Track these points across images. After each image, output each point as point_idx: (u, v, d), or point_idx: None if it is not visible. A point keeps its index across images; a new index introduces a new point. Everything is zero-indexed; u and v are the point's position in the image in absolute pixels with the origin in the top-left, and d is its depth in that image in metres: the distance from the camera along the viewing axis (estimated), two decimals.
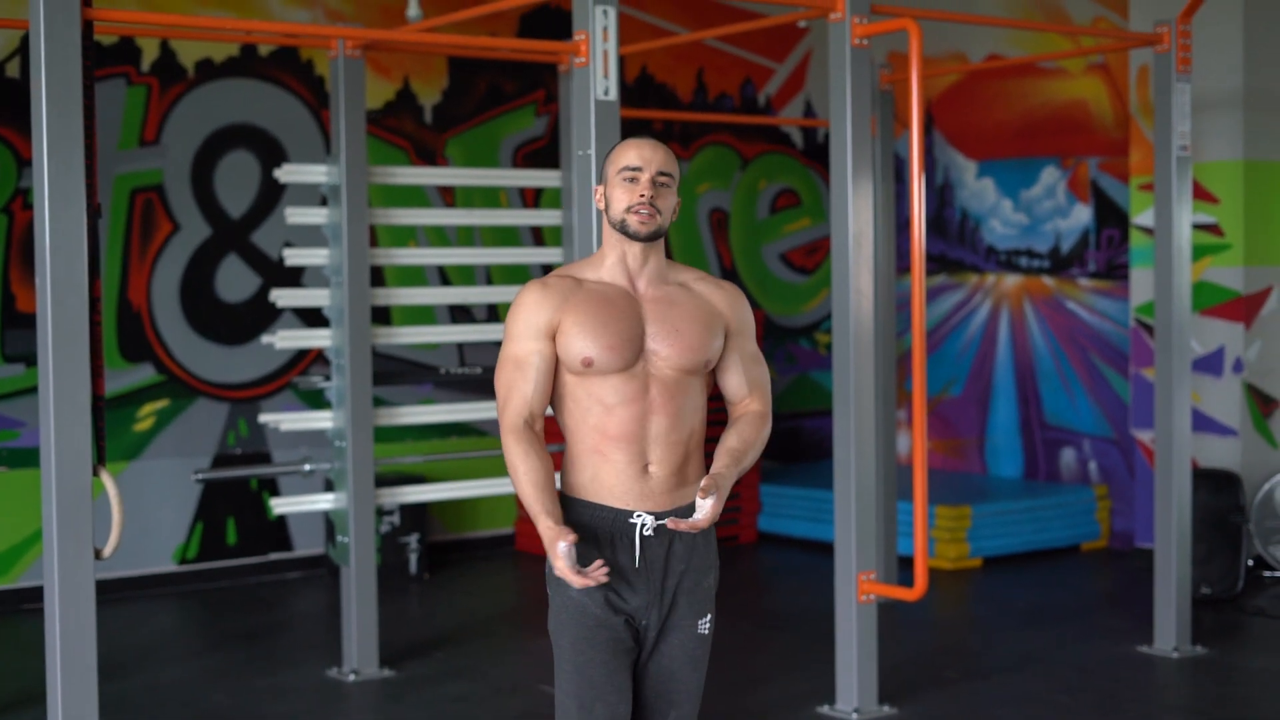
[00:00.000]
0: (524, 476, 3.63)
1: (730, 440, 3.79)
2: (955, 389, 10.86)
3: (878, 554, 6.42)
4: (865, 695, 6.21)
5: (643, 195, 3.70)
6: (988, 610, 8.42)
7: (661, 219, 3.73)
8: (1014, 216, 10.54)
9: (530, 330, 3.69)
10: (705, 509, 3.61)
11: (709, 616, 3.82)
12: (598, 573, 3.52)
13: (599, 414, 3.68)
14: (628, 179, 3.72)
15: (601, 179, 3.80)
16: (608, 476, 3.69)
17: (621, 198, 3.72)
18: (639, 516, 3.68)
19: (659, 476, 3.70)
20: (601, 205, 3.78)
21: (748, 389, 3.87)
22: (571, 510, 3.71)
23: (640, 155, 3.73)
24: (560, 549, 3.53)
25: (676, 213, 3.80)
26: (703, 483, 3.62)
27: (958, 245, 10.86)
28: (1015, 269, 10.53)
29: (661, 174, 3.72)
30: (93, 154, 5.14)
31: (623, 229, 3.73)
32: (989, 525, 9.38)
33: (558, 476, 3.78)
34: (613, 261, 3.77)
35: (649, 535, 3.69)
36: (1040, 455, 10.37)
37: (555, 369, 3.72)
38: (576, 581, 3.52)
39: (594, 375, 3.67)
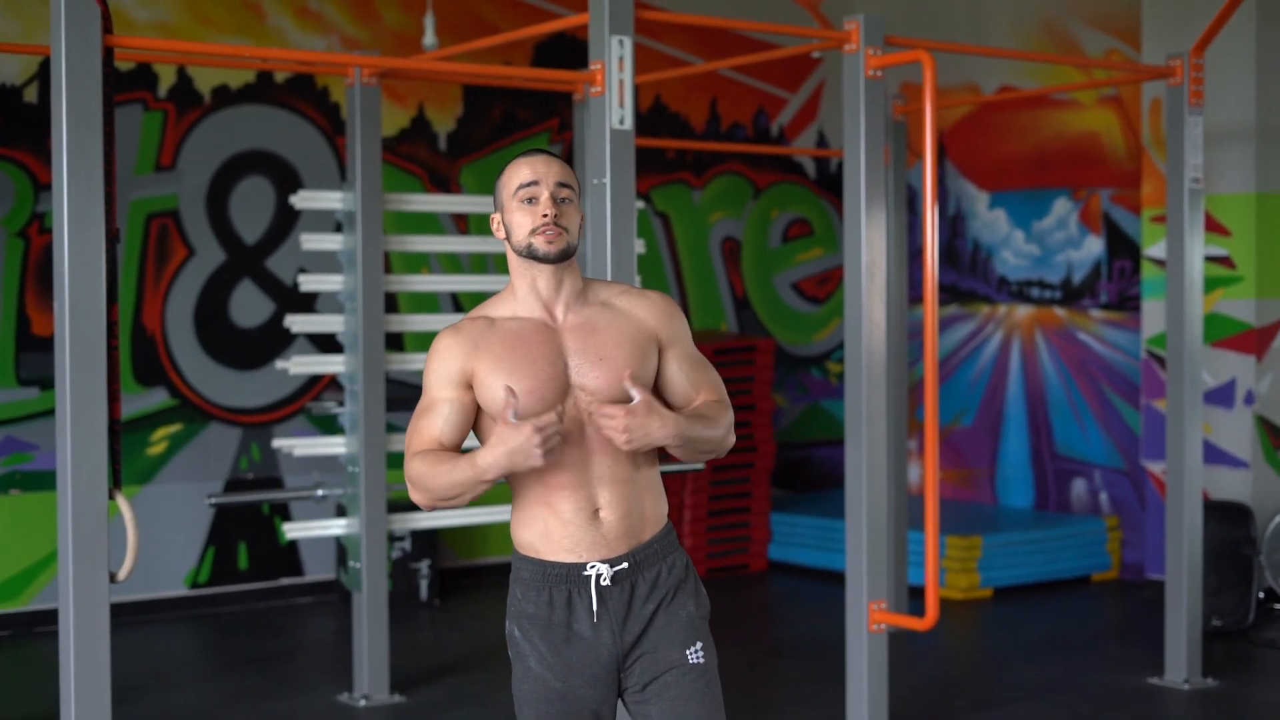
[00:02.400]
0: (439, 469, 3.33)
1: (689, 409, 3.49)
2: (966, 419, 10.87)
3: (888, 584, 6.42)
4: None
5: (545, 215, 3.39)
6: (998, 640, 8.41)
7: (570, 236, 3.41)
8: (1026, 247, 10.56)
9: (440, 380, 3.41)
10: (636, 395, 3.33)
11: (698, 645, 3.48)
12: (545, 422, 3.23)
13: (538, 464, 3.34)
14: (525, 199, 3.42)
15: (496, 205, 3.52)
16: (556, 529, 3.40)
17: (523, 221, 3.42)
18: (593, 568, 3.39)
19: (610, 521, 3.40)
20: (501, 234, 3.48)
21: (695, 389, 3.54)
22: (524, 569, 3.45)
23: (534, 170, 3.44)
24: (509, 420, 3.24)
25: (583, 228, 3.54)
26: (633, 381, 3.35)
27: (969, 276, 10.88)
28: (1027, 300, 10.55)
29: (561, 185, 3.43)
30: (112, 179, 5.18)
31: (530, 254, 3.41)
32: (999, 555, 9.38)
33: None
34: (524, 292, 3.46)
35: (606, 585, 3.41)
36: (1051, 486, 10.37)
37: (476, 420, 3.45)
38: (538, 441, 3.20)
39: (525, 422, 3.30)
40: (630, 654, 3.45)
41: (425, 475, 3.35)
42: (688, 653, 3.47)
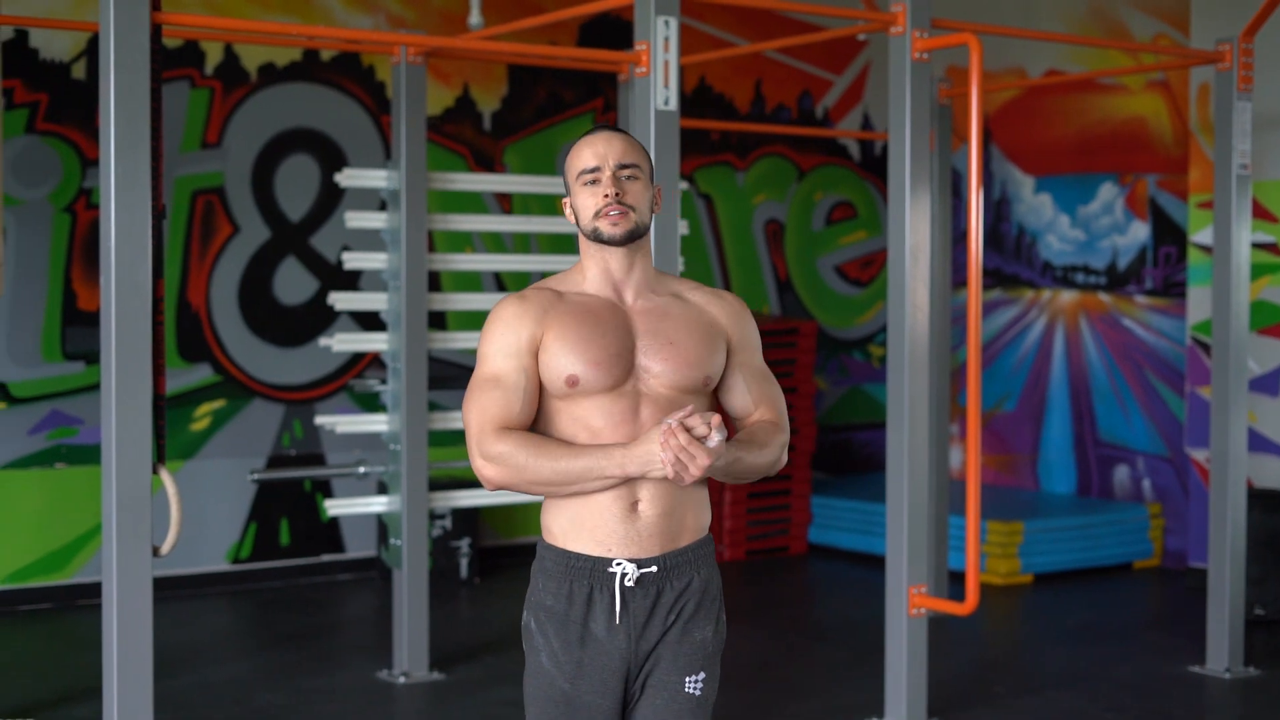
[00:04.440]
0: (545, 454, 3.20)
1: (741, 434, 3.35)
2: (1009, 404, 10.83)
3: (929, 568, 6.40)
4: (914, 709, 6.20)
5: (607, 195, 3.28)
6: (1038, 627, 8.39)
7: (637, 215, 3.31)
8: (1071, 232, 10.51)
9: (509, 348, 3.27)
10: (714, 441, 3.15)
11: (701, 675, 3.33)
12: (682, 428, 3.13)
13: (584, 440, 3.25)
14: (588, 182, 3.31)
15: (565, 189, 3.39)
16: (589, 517, 3.25)
17: (588, 203, 3.30)
18: (619, 565, 3.25)
19: (649, 516, 3.25)
20: (572, 219, 3.36)
21: (754, 404, 3.40)
22: (548, 557, 3.33)
23: (595, 153, 3.31)
24: (664, 430, 3.13)
25: (659, 204, 3.40)
26: (713, 419, 3.15)
27: (1014, 260, 10.83)
28: (1071, 285, 10.50)
29: (623, 166, 3.30)
30: (158, 156, 5.20)
31: (597, 237, 3.31)
32: (1041, 541, 9.35)
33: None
34: (595, 273, 3.36)
35: (630, 586, 3.26)
36: (1093, 472, 10.33)
37: (540, 393, 3.30)
38: (666, 448, 3.12)
39: (579, 396, 3.24)
40: (644, 664, 3.32)
41: (521, 458, 3.21)
42: (687, 679, 3.33)
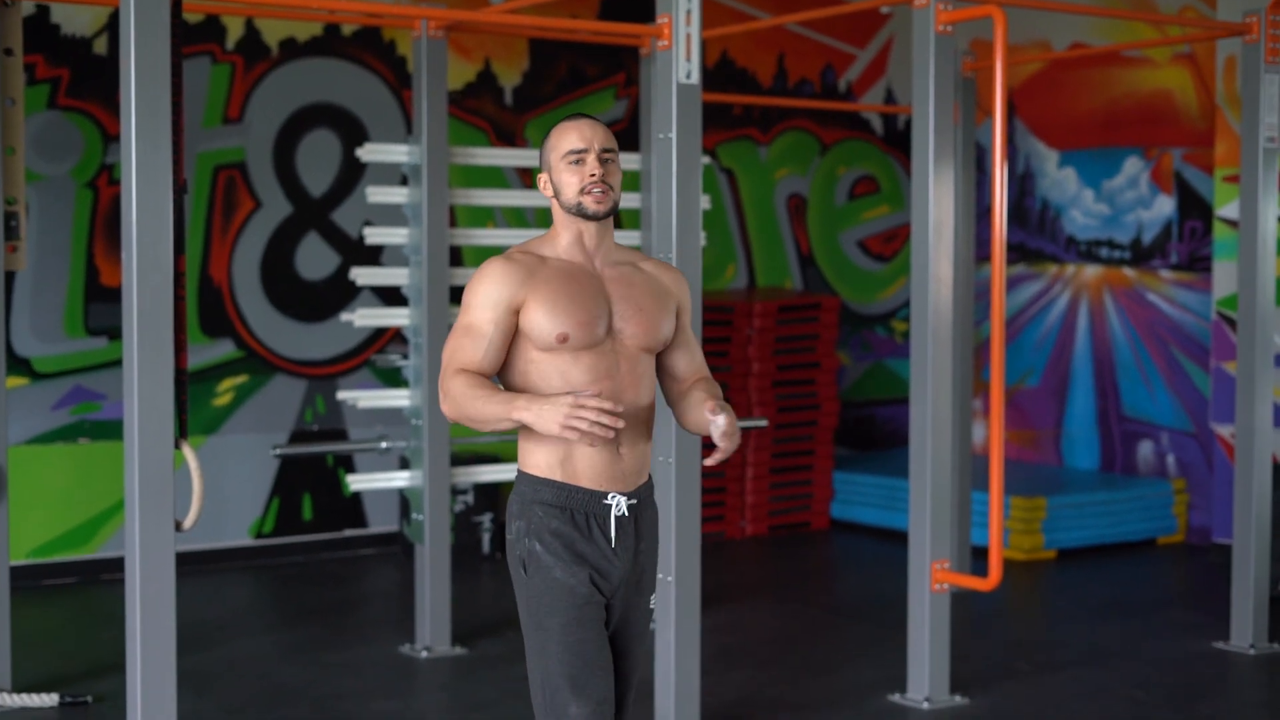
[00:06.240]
0: (478, 395, 3.57)
1: (702, 385, 3.85)
2: (1032, 379, 10.79)
3: (951, 543, 6.39)
4: (937, 685, 6.19)
5: (593, 175, 3.69)
6: (1061, 602, 8.37)
7: (615, 194, 3.73)
8: (1095, 207, 10.46)
9: (489, 302, 3.64)
10: (722, 424, 3.61)
11: (654, 594, 3.90)
12: (596, 401, 3.49)
13: (557, 388, 3.66)
14: (573, 161, 3.71)
15: (543, 166, 3.78)
16: (580, 459, 3.68)
17: (571, 181, 3.71)
18: (613, 498, 3.70)
19: (628, 457, 3.73)
20: (549, 193, 3.76)
21: (697, 366, 3.92)
22: (545, 491, 3.69)
23: (582, 136, 3.72)
24: (568, 400, 3.47)
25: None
26: (709, 405, 3.64)
27: (1037, 235, 10.79)
28: (1096, 260, 10.45)
29: (605, 150, 3.72)
30: (179, 132, 5.19)
31: (579, 211, 3.72)
32: (1064, 517, 9.32)
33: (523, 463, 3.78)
34: (569, 241, 3.76)
35: (622, 514, 3.71)
36: (1117, 448, 10.29)
37: (512, 346, 3.69)
38: (603, 419, 3.46)
39: (566, 352, 3.65)
40: (627, 583, 3.76)
41: (462, 396, 3.60)
42: (651, 598, 3.87)
